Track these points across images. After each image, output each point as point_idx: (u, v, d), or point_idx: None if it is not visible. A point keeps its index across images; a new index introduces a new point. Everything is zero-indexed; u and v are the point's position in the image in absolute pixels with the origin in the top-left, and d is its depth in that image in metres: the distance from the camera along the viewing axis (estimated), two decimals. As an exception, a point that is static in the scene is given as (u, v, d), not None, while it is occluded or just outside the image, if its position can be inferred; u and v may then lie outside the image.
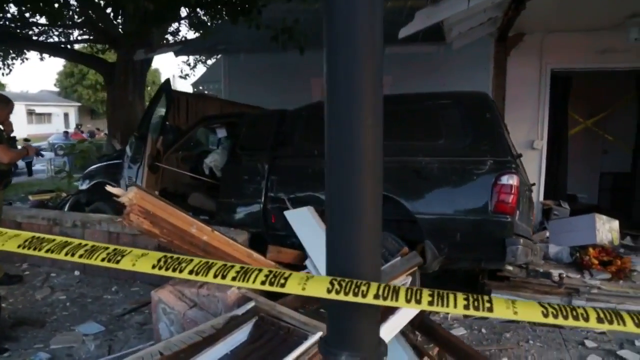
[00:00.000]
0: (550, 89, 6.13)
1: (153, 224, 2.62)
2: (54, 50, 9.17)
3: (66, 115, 40.31)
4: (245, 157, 4.49)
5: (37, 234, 1.71)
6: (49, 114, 38.59)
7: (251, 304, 2.99)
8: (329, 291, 1.26)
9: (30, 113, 35.51)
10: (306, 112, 4.54)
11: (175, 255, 1.50)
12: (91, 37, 9.13)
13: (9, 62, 10.33)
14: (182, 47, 8.03)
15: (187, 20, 7.37)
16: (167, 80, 4.92)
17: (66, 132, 22.26)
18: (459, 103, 3.91)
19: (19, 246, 1.69)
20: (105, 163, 5.81)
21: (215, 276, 1.44)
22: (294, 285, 1.28)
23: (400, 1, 8.07)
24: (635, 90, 6.53)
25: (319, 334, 2.42)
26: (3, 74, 11.15)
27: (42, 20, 9.13)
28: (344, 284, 1.26)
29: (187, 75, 15.44)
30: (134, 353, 3.09)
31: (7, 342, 3.39)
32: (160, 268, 1.49)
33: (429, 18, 4.04)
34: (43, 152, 17.04)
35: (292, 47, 5.85)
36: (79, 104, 38.74)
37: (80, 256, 1.66)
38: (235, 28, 7.11)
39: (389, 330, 2.55)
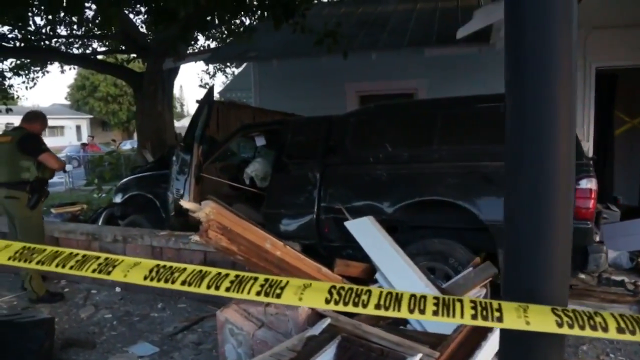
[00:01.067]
0: (595, 88, 5.90)
1: (231, 240, 2.43)
2: (81, 61, 9.09)
3: (78, 127, 40.61)
4: (294, 165, 4.30)
5: (27, 244, 1.60)
6: (62, 127, 38.88)
7: (326, 322, 2.79)
8: (327, 301, 1.20)
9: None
10: (355, 118, 4.35)
11: (168, 264, 1.39)
12: (121, 48, 9.04)
13: (32, 75, 10.28)
14: (212, 55, 7.88)
15: (219, 28, 7.23)
16: (211, 89, 4.76)
17: (84, 145, 22.16)
18: None
19: (9, 258, 1.57)
20: (138, 175, 5.65)
21: (208, 287, 1.32)
22: (290, 296, 1.21)
23: (432, 3, 7.92)
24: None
25: (419, 356, 2.22)
26: (27, 88, 11.11)
27: (63, 31, 9.12)
28: (343, 293, 1.21)
29: (206, 84, 15.39)
30: None
31: (60, 366, 3.21)
32: (152, 279, 1.38)
33: (488, 17, 3.84)
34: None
35: (336, 51, 5.68)
36: (91, 116, 39.01)
37: (71, 267, 1.53)
38: (264, 35, 6.98)
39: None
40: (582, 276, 3.89)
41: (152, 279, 1.38)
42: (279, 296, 1.25)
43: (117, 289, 4.64)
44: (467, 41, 5.49)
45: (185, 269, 1.41)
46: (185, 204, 2.38)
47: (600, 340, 3.57)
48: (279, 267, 2.71)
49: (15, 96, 10.61)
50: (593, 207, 3.30)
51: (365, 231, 3.47)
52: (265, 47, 6.95)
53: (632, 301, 4.12)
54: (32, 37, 8.42)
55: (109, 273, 1.42)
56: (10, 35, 8.15)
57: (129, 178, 5.72)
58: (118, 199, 5.56)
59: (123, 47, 8.74)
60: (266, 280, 1.32)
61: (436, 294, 2.84)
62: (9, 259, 1.63)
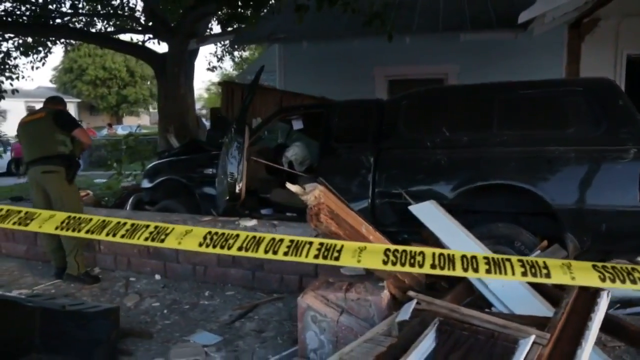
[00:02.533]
0: (626, 75, 5.93)
1: (338, 225, 2.33)
2: (100, 40, 8.79)
3: (65, 111, 39.52)
4: (345, 149, 4.21)
5: (72, 214, 1.54)
6: (48, 111, 37.82)
7: (412, 305, 2.73)
8: (384, 262, 1.29)
9: (30, 110, 34.74)
10: (407, 101, 4.27)
11: (220, 231, 1.38)
12: (137, 28, 8.75)
13: (41, 55, 9.93)
14: (237, 37, 7.65)
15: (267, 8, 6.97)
16: (261, 69, 4.64)
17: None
18: (588, 90, 3.67)
19: (56, 228, 1.51)
20: (169, 159, 5.49)
21: (266, 252, 1.38)
22: (348, 258, 1.28)
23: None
24: None
25: (532, 338, 2.16)
26: (33, 68, 10.73)
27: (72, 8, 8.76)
28: (398, 255, 1.30)
29: (214, 67, 15.08)
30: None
31: (122, 356, 3.10)
32: (207, 246, 1.40)
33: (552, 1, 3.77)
34: None
35: (383, 33, 5.55)
36: (79, 99, 38.05)
37: (122, 236, 1.51)
38: (289, 15, 6.79)
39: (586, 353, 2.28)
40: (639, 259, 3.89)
41: (207, 246, 1.40)
42: (337, 259, 1.30)
43: (157, 277, 4.52)
44: (503, 26, 5.43)
45: (238, 236, 1.42)
46: (291, 187, 2.26)
47: None
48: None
49: (21, 77, 10.25)
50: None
51: (431, 215, 3.42)
52: (292, 28, 6.78)
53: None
54: (44, 15, 8.12)
55: (162, 241, 1.42)
56: (18, 13, 7.86)
57: (158, 162, 5.56)
58: (147, 184, 5.40)
59: (149, 26, 8.45)
60: (321, 244, 1.37)
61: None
62: (56, 228, 1.60)
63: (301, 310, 2.82)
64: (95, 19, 9.05)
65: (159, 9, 7.57)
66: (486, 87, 4.10)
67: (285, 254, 1.35)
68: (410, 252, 1.29)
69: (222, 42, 11.89)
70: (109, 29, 9.32)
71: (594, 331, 2.31)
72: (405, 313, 2.70)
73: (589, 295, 2.58)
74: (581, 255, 3.51)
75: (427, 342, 2.35)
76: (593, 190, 3.39)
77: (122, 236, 1.56)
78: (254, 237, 1.43)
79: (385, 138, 4.11)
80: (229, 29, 8.00)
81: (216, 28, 10.38)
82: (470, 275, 1.24)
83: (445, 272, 1.32)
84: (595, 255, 3.50)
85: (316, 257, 1.31)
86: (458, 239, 3.20)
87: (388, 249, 1.30)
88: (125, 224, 1.51)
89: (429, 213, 3.44)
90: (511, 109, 3.81)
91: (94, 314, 2.97)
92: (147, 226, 1.47)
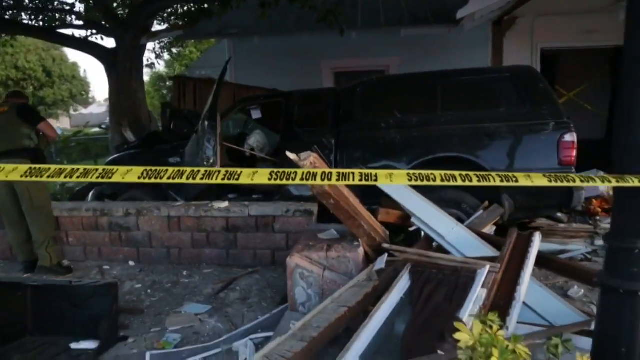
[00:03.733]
0: (540, 65, 6.82)
1: (329, 185, 2.73)
2: (50, 35, 8.41)
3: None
4: (306, 133, 4.61)
5: (34, 165, 1.77)
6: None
7: (385, 258, 3.20)
8: (269, 179, 1.64)
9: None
10: (361, 88, 4.74)
11: (154, 168, 1.75)
12: (83, 22, 8.45)
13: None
14: (189, 32, 7.73)
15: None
16: (227, 63, 4.89)
17: None
18: (515, 76, 4.35)
19: (21, 176, 1.79)
20: (130, 151, 5.59)
21: (187, 178, 1.64)
22: (245, 178, 1.64)
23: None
24: (607, 65, 7.45)
25: (488, 267, 2.68)
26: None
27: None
28: (279, 174, 1.65)
29: (152, 64, 14.78)
30: (279, 315, 3.18)
31: (121, 329, 3.30)
32: (145, 177, 1.65)
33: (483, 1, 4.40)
34: None
35: (336, 28, 5.97)
36: (-14, 102, 35.14)
37: (78, 177, 1.81)
38: (237, 12, 7.04)
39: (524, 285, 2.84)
40: (559, 215, 4.65)
41: (145, 177, 1.70)
42: (237, 179, 1.66)
43: (131, 263, 4.66)
44: (438, 22, 6.08)
45: (167, 170, 1.75)
46: (290, 155, 2.61)
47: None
48: (354, 212, 3.06)
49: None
50: (575, 156, 4.00)
51: (393, 186, 3.89)
52: (241, 24, 7.05)
53: (586, 236, 4.96)
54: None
55: (110, 177, 1.69)
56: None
57: (118, 155, 5.63)
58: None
59: (94, 21, 8.23)
60: (227, 171, 1.68)
61: (464, 230, 3.37)
62: (21, 176, 1.79)
63: (290, 269, 3.19)
64: (37, 13, 8.65)
65: (110, 3, 7.50)
66: (430, 74, 4.69)
67: (202, 178, 1.68)
68: (287, 172, 1.68)
69: (162, 40, 11.80)
70: (52, 24, 8.97)
71: (532, 260, 2.90)
72: (380, 263, 3.17)
73: (526, 237, 3.18)
74: (515, 212, 4.17)
75: (403, 282, 2.83)
76: (522, 157, 4.06)
77: (78, 177, 1.67)
78: (179, 170, 1.71)
79: (343, 122, 4.57)
80: (181, 23, 8.11)
81: (157, 26, 10.35)
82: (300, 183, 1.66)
83: (312, 183, 1.70)
84: (526, 211, 4.19)
85: (223, 179, 1.66)
86: (414, 202, 3.71)
87: (272, 171, 1.70)
88: (79, 169, 1.67)
89: (390, 185, 3.91)
90: (452, 92, 4.42)
91: (96, 288, 3.15)
92: (97, 169, 1.69)
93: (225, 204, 4.48)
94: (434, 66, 5.68)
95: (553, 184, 1.63)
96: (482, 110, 4.29)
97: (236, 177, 1.65)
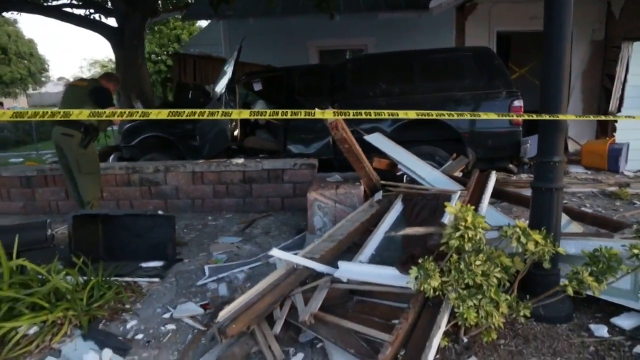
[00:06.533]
0: (496, 45, 7.97)
1: (346, 133, 3.71)
2: (55, 13, 8.70)
3: None
4: (307, 101, 5.55)
5: (17, 111, 2.37)
6: None
7: (380, 193, 4.22)
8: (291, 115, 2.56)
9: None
10: (351, 64, 5.71)
11: (177, 110, 2.55)
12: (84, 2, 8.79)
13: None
14: (188, 12, 8.35)
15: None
16: (242, 41, 5.70)
17: None
18: (476, 54, 5.43)
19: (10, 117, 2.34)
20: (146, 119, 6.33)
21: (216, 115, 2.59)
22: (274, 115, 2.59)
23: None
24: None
25: (459, 191, 3.73)
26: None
27: None
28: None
29: None
30: (299, 240, 4.14)
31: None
32: (171, 116, 2.37)
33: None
34: None
35: (328, 11, 6.84)
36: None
37: (126, 116, 2.51)
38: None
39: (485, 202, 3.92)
40: (511, 166, 5.81)
41: (171, 116, 2.42)
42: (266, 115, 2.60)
43: (160, 212, 5.48)
44: (411, 8, 7.08)
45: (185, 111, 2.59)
46: (318, 111, 3.54)
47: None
48: (360, 157, 4.05)
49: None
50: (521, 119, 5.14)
51: (381, 141, 4.91)
52: (237, 6, 7.78)
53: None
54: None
55: (148, 115, 2.50)
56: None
57: (135, 123, 6.36)
58: (127, 142, 6.22)
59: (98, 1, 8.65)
60: (252, 112, 2.67)
61: (439, 173, 4.41)
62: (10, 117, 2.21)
63: (309, 202, 4.17)
64: None
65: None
66: (408, 53, 5.72)
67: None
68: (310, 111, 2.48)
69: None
70: (55, 3, 9.27)
71: (490, 189, 3.96)
72: (378, 195, 4.19)
73: (485, 175, 4.26)
74: (477, 163, 5.28)
75: (398, 206, 3.85)
76: (481, 119, 5.16)
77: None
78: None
79: (337, 92, 5.53)
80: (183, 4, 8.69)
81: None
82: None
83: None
84: (485, 162, 5.31)
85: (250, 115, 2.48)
86: (400, 154, 4.74)
87: (303, 111, 2.52)
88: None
89: (378, 140, 4.93)
90: (426, 67, 5.46)
91: (163, 217, 4.03)
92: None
93: (242, 160, 5.37)
94: (405, 46, 6.69)
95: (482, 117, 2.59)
96: (450, 82, 5.36)
97: (264, 115, 2.53)
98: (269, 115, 2.32)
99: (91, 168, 4.83)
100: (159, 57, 21.44)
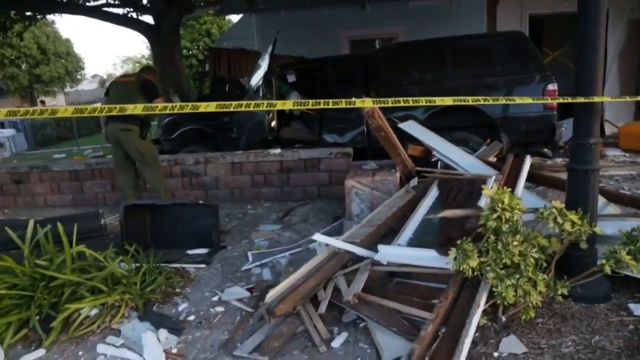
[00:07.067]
0: (528, 29, 7.86)
1: (382, 121, 3.81)
2: (93, 13, 9.08)
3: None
4: (341, 91, 5.66)
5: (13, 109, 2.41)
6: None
7: (416, 179, 4.30)
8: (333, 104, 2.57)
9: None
10: (383, 53, 5.78)
11: (224, 103, 2.62)
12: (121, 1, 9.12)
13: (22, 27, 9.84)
14: (222, 7, 8.59)
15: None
16: (277, 34, 5.87)
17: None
18: (508, 39, 5.42)
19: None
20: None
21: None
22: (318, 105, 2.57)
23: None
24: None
25: (494, 176, 3.78)
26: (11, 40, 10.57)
27: None
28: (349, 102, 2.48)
29: None
30: (337, 226, 4.28)
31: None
32: (219, 108, 2.45)
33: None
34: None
35: (359, 1, 6.95)
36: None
37: (177, 109, 2.60)
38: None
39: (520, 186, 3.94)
40: (545, 150, 5.78)
41: (219, 108, 2.54)
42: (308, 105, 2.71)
43: (201, 202, 5.72)
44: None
45: (233, 103, 2.68)
46: (357, 100, 3.65)
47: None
48: (396, 144, 4.15)
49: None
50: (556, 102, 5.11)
51: (415, 129, 4.98)
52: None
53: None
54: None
55: (197, 109, 2.56)
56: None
57: (174, 117, 6.60)
58: (167, 135, 6.48)
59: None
60: (295, 102, 2.69)
61: (473, 158, 4.45)
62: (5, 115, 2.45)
63: (347, 189, 4.30)
64: None
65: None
66: (439, 40, 5.74)
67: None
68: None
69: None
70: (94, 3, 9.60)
71: (524, 173, 3.99)
72: (414, 182, 4.28)
73: (520, 159, 4.28)
74: (511, 148, 5.29)
75: (434, 191, 3.93)
76: (515, 104, 5.16)
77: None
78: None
79: (370, 81, 5.62)
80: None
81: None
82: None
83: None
84: (519, 147, 5.31)
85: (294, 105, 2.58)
86: (435, 140, 4.80)
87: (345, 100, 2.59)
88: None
89: (413, 127, 5.00)
90: (458, 54, 5.48)
91: (209, 206, 4.24)
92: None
93: (279, 150, 5.53)
94: (436, 33, 6.68)
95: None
96: (482, 68, 5.37)
97: (306, 104, 2.64)
98: (312, 105, 2.44)
99: (153, 156, 5.08)
100: (190, 52, 21.87)
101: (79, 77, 43.17)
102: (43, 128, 16.38)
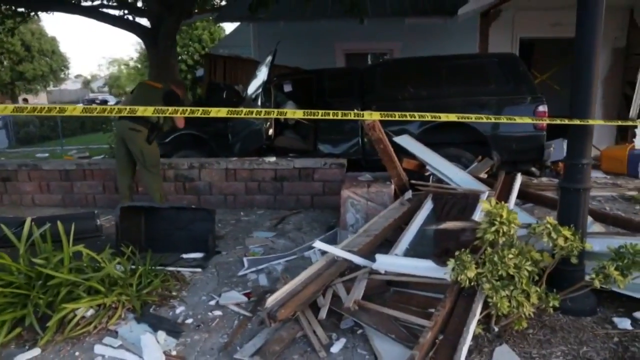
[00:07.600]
0: (519, 52, 8.12)
1: (382, 134, 3.91)
2: (90, 13, 9.03)
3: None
4: (337, 103, 5.76)
5: (19, 106, 2.48)
6: None
7: (410, 192, 4.41)
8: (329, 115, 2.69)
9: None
10: (381, 68, 5.92)
11: (236, 109, 2.75)
12: (119, 3, 9.07)
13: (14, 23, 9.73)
14: (221, 14, 8.65)
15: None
16: (277, 45, 5.95)
17: None
18: (501, 61, 5.61)
19: (12, 111, 2.44)
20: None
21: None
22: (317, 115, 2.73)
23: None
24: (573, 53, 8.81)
25: (487, 192, 3.91)
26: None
27: None
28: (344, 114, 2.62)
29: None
30: (331, 236, 4.35)
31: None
32: (230, 114, 2.47)
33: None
34: None
35: (358, 16, 7.09)
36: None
37: (188, 113, 2.65)
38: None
39: (512, 202, 4.08)
40: (533, 169, 5.96)
41: (230, 114, 2.60)
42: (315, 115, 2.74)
43: (197, 207, 5.73)
44: (436, 14, 7.29)
45: (243, 110, 2.77)
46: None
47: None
48: (392, 157, 4.25)
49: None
50: (545, 123, 5.30)
51: (410, 143, 5.10)
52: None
53: (553, 189, 6.31)
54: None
55: (209, 113, 2.58)
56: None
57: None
58: (162, 139, 6.47)
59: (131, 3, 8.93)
60: (304, 111, 2.77)
61: (465, 174, 4.58)
62: (12, 111, 2.42)
63: (343, 199, 4.37)
64: None
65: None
66: (436, 58, 5.92)
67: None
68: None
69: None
70: (91, 3, 9.58)
71: (516, 190, 4.14)
72: (408, 194, 4.38)
73: (511, 176, 4.43)
74: (501, 165, 5.45)
75: (428, 204, 4.03)
76: (507, 123, 5.33)
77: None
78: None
79: (367, 94, 5.74)
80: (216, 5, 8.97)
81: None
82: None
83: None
84: (509, 164, 5.47)
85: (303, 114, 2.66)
86: (428, 155, 4.92)
87: (341, 112, 2.66)
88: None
89: (407, 142, 5.12)
90: (453, 72, 5.65)
91: (204, 210, 4.26)
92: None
93: (274, 158, 5.59)
94: (431, 51, 6.87)
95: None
96: (476, 87, 5.55)
97: (312, 114, 2.72)
98: (321, 115, 2.51)
99: (154, 161, 5.04)
100: (180, 57, 21.86)
101: (62, 76, 42.61)
102: (26, 126, 16.09)
